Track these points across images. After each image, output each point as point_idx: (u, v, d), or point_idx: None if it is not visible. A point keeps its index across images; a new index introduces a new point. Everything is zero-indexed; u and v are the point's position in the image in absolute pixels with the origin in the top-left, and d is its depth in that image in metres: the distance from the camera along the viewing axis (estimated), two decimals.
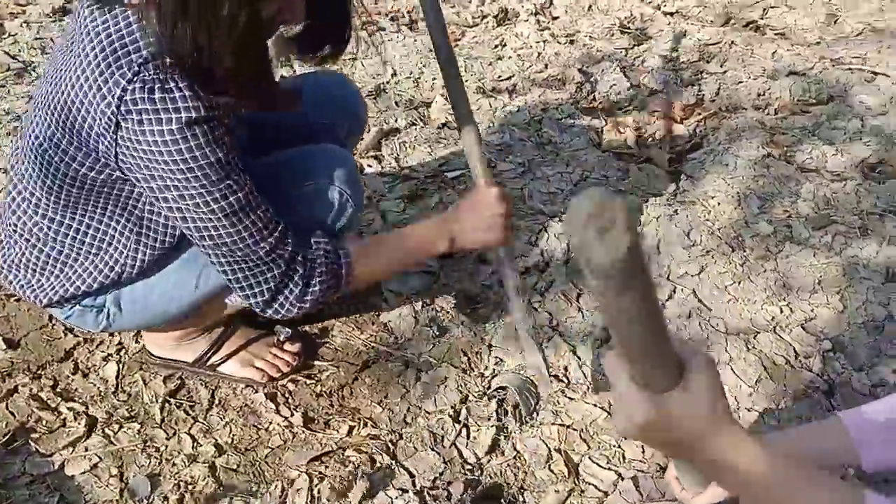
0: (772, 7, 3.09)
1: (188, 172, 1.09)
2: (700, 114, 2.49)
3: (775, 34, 2.94)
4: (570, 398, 1.51)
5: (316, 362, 1.61)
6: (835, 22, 2.98)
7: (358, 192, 1.37)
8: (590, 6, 3.13)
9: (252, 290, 1.22)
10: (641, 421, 0.66)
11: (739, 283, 1.76)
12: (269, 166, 1.33)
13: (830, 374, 1.54)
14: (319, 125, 1.49)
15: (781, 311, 1.68)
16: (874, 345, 1.59)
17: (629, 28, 2.99)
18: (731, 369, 1.54)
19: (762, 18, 3.03)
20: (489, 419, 1.46)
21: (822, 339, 1.61)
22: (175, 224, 1.21)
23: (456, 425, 1.46)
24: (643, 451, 1.40)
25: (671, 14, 3.09)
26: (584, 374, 1.56)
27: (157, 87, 1.03)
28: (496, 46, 2.82)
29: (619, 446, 1.41)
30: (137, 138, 1.06)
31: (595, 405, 1.49)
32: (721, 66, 2.69)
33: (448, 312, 1.71)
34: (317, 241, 1.28)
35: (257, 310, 1.27)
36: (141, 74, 1.03)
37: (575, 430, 1.44)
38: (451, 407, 1.50)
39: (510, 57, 2.73)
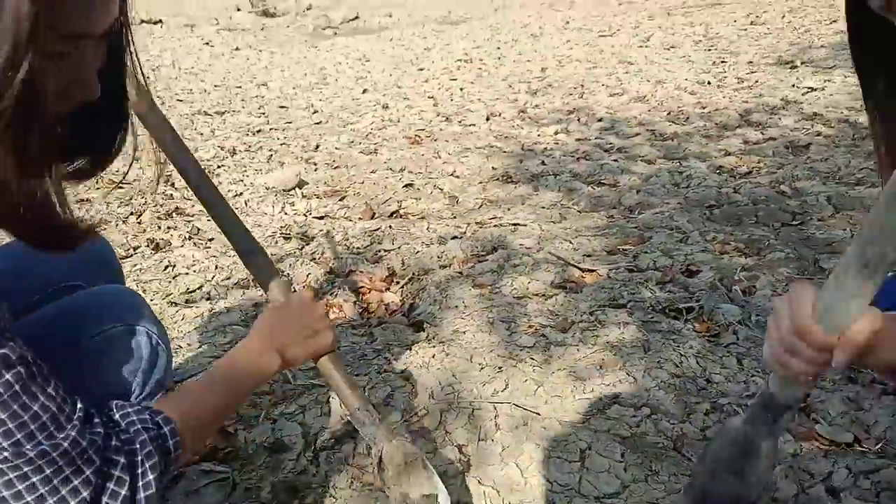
0: (402, 200, 3.43)
1: None
2: (399, 281, 2.54)
3: (417, 218, 3.24)
4: None
5: None
6: (456, 202, 3.43)
7: (164, 333, 1.02)
8: None
9: None
10: None
11: (553, 393, 1.73)
12: (33, 324, 0.91)
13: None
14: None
15: (600, 400, 1.69)
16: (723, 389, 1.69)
17: (289, 234, 2.99)
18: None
19: (401, 209, 3.34)
20: None
21: (666, 415, 1.65)
22: None
23: None
24: None
25: (321, 218, 3.20)
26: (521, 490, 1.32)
27: None
28: (166, 268, 2.54)
29: None
30: None
31: None
32: (393, 244, 2.83)
33: None
34: (123, 412, 0.87)
35: None
36: None
37: None
38: None
39: (188, 273, 2.47)
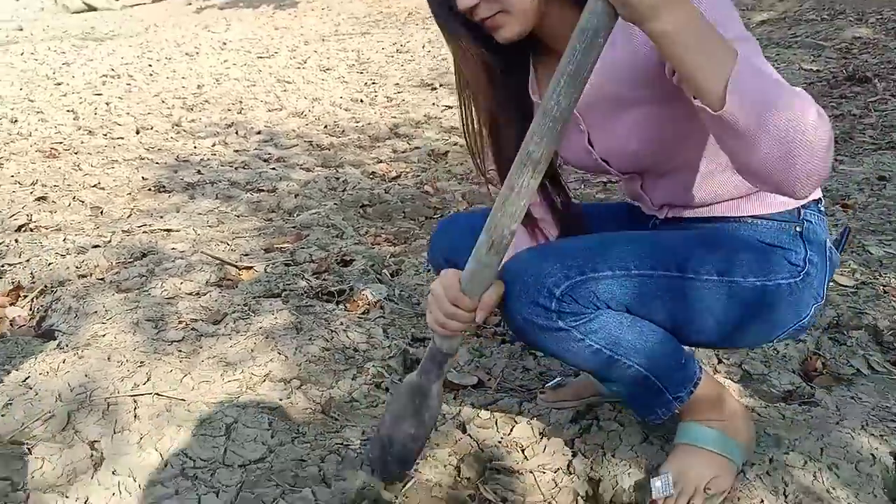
0: (32, 214, 3.05)
1: None
2: (27, 295, 2.26)
3: (52, 231, 2.92)
4: None
5: None
6: (101, 213, 3.16)
7: None
8: None
9: None
10: None
11: (201, 380, 1.66)
12: None
13: None
14: None
15: (251, 380, 1.66)
16: None
17: None
18: None
19: (31, 222, 2.97)
20: None
21: None
22: None
23: None
24: None
25: None
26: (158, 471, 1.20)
27: None
28: None
29: None
30: None
31: None
32: (20, 257, 2.51)
33: None
34: None
35: None
36: None
37: None
38: None
39: None
